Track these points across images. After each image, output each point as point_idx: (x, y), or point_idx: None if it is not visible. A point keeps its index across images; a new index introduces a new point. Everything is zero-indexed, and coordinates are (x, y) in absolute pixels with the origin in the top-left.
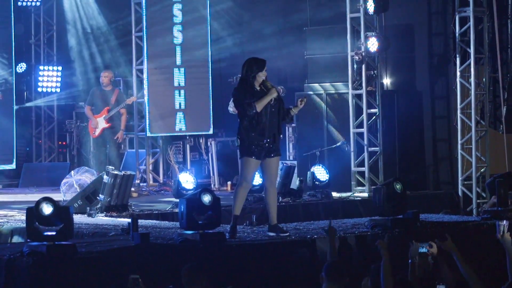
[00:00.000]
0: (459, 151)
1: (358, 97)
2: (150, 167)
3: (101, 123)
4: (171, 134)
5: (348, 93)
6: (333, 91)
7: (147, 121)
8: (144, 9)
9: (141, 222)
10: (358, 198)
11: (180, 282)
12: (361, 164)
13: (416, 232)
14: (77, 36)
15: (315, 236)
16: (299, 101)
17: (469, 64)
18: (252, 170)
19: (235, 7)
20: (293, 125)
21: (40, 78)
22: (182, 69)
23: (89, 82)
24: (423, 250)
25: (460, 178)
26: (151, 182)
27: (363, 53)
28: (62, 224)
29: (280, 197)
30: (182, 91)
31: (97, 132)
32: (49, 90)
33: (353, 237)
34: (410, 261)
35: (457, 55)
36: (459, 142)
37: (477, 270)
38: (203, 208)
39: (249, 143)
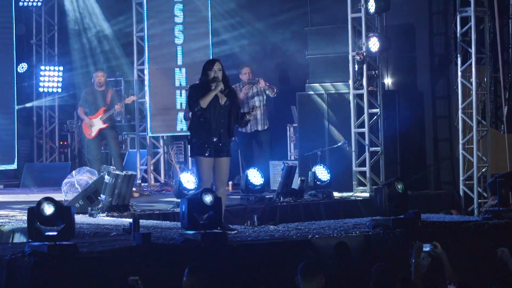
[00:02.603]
0: (460, 151)
1: (359, 97)
2: (152, 167)
3: (97, 123)
4: (173, 134)
5: (349, 93)
6: (334, 91)
7: (149, 121)
8: (145, 9)
9: (143, 222)
10: (359, 198)
11: (181, 282)
12: (363, 164)
13: (418, 232)
14: (78, 36)
15: (316, 236)
16: (251, 109)
17: (470, 64)
18: (206, 169)
19: (236, 7)
20: (294, 125)
21: (41, 78)
22: (183, 69)
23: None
24: (427, 249)
25: (461, 178)
26: (152, 182)
27: (364, 53)
28: (63, 224)
29: (281, 197)
30: (183, 91)
31: (94, 133)
32: (50, 90)
33: (355, 237)
34: (413, 260)
35: (458, 55)
36: (461, 142)
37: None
38: (204, 208)
39: (197, 141)
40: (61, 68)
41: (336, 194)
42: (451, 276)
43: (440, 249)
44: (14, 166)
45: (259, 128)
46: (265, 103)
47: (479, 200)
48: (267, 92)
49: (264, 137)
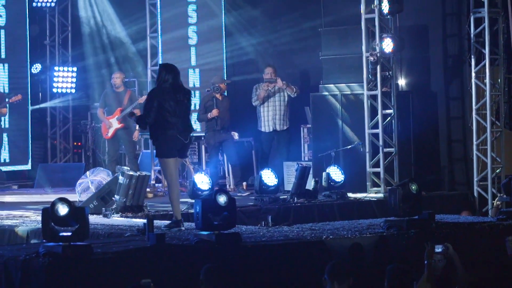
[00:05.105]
0: (474, 152)
1: (373, 97)
2: None
3: (114, 123)
4: None
5: (363, 93)
6: (348, 92)
7: None
8: (159, 10)
9: (157, 222)
10: (373, 199)
11: (196, 282)
12: (377, 164)
13: (432, 232)
14: (92, 36)
15: (330, 237)
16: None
17: (484, 65)
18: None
19: (249, 8)
20: (308, 125)
21: (55, 79)
22: (197, 70)
23: (104, 83)
24: (439, 250)
25: (475, 179)
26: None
27: (378, 54)
28: (77, 224)
29: (295, 198)
30: (197, 92)
31: (110, 133)
32: (64, 91)
33: (369, 238)
34: (426, 262)
35: (472, 56)
36: (474, 143)
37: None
38: (218, 209)
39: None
40: (74, 68)
41: (350, 195)
42: (464, 278)
43: (452, 250)
44: (28, 166)
45: (278, 128)
46: (286, 103)
47: (493, 201)
48: (288, 92)
49: (282, 138)
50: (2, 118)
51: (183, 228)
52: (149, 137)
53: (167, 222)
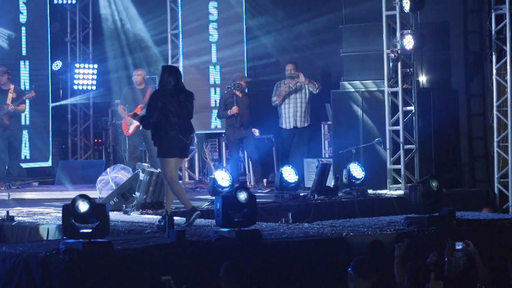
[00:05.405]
0: (495, 148)
1: (394, 94)
2: (186, 165)
3: (134, 120)
4: (207, 132)
5: (384, 90)
6: (368, 89)
7: None
8: (179, 7)
9: (177, 219)
10: (393, 196)
11: (216, 279)
12: (397, 161)
13: (452, 229)
14: (113, 33)
15: (351, 234)
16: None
17: (505, 62)
18: None
19: (270, 5)
20: (328, 122)
21: (76, 76)
22: (218, 67)
23: (125, 80)
24: (459, 247)
25: (496, 176)
26: (186, 179)
27: (399, 51)
28: (98, 221)
29: (315, 195)
30: (218, 89)
31: (131, 130)
32: (84, 88)
33: (389, 235)
34: (446, 259)
35: (493, 53)
36: (495, 139)
37: None
38: (239, 206)
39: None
40: (95, 65)
41: (370, 192)
42: (484, 275)
43: (472, 248)
44: (48, 163)
45: (299, 125)
46: (307, 100)
47: None
48: (310, 88)
49: (303, 135)
50: (23, 115)
51: (199, 212)
52: (151, 138)
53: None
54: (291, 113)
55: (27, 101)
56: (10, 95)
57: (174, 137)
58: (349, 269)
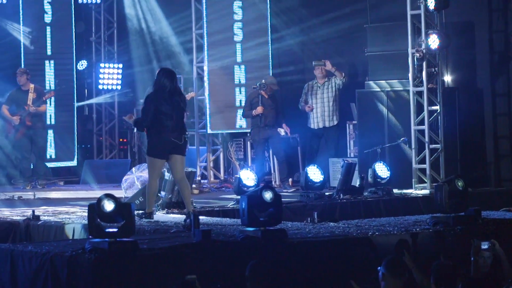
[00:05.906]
0: None
1: (419, 94)
2: (211, 164)
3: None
4: (232, 131)
5: (409, 90)
6: (394, 88)
7: (208, 118)
8: (204, 7)
9: (202, 219)
10: (419, 195)
11: (242, 279)
12: (422, 161)
13: (478, 229)
14: (137, 33)
15: (377, 233)
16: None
17: None
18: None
19: (295, 4)
20: (354, 122)
21: (100, 76)
22: (243, 67)
23: (149, 80)
24: (485, 247)
25: None
26: (212, 179)
27: (424, 50)
28: (123, 221)
29: (341, 194)
30: (243, 88)
31: None
32: (109, 87)
33: (415, 235)
34: (472, 259)
35: None
36: None
37: None
38: (264, 205)
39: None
40: (120, 65)
41: (396, 191)
42: (510, 275)
43: (498, 247)
44: (74, 163)
45: (327, 124)
46: (335, 97)
47: None
48: (337, 80)
49: (331, 135)
50: (48, 115)
51: (152, 220)
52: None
53: (215, 218)
54: (319, 113)
55: (52, 100)
56: (31, 95)
57: (165, 140)
58: (380, 268)
